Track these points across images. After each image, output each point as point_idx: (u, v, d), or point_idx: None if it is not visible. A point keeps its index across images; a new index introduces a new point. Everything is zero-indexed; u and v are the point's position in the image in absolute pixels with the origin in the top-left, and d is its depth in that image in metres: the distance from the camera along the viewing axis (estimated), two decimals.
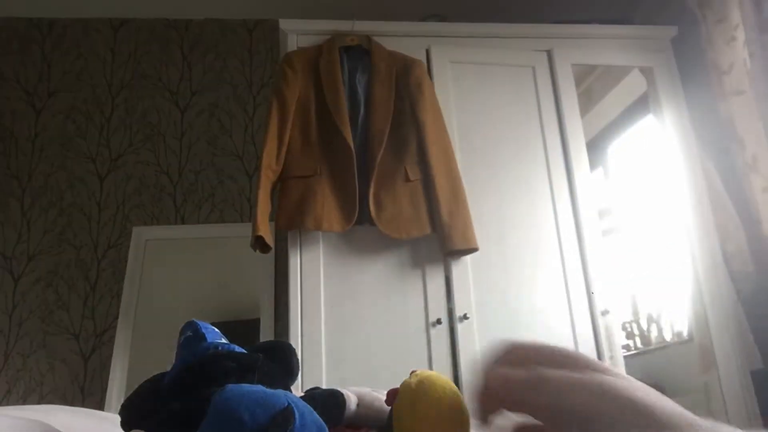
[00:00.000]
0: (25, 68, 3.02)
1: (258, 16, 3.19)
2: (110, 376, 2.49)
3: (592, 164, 2.39)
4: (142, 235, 2.76)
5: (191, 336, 0.50)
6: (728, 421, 1.15)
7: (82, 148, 2.90)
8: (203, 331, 0.50)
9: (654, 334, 2.70)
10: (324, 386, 1.89)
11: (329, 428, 0.44)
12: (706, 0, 2.34)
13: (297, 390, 0.59)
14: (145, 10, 3.12)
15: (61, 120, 2.94)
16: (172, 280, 2.74)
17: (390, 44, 2.32)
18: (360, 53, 2.27)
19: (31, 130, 2.92)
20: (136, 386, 0.50)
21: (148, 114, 3.00)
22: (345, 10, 2.54)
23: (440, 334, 2.03)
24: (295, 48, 2.30)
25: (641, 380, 0.34)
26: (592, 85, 2.78)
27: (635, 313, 2.80)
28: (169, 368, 0.50)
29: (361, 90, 2.20)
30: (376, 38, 2.31)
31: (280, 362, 0.52)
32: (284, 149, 2.08)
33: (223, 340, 0.51)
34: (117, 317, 2.61)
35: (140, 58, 3.10)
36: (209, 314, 2.64)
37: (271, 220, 2.02)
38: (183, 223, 2.81)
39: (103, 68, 3.06)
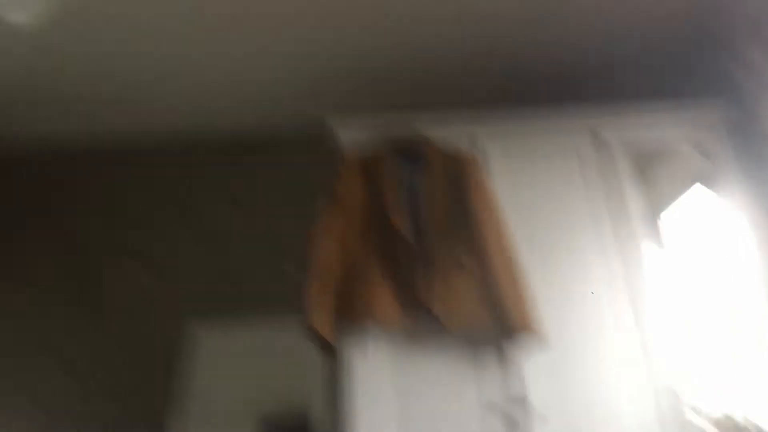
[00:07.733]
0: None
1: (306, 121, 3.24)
2: None
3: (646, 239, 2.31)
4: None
5: None
6: None
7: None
8: None
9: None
10: None
11: None
12: (752, 71, 2.33)
13: None
14: None
15: None
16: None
17: (437, 134, 2.37)
18: (415, 154, 2.32)
19: None
20: None
21: None
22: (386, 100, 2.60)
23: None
24: (348, 146, 2.37)
25: None
26: (640, 162, 2.73)
27: (723, 405, 2.46)
28: None
29: (417, 190, 2.23)
30: (419, 125, 2.37)
31: None
32: (342, 248, 2.11)
33: None
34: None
35: None
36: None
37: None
38: None
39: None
